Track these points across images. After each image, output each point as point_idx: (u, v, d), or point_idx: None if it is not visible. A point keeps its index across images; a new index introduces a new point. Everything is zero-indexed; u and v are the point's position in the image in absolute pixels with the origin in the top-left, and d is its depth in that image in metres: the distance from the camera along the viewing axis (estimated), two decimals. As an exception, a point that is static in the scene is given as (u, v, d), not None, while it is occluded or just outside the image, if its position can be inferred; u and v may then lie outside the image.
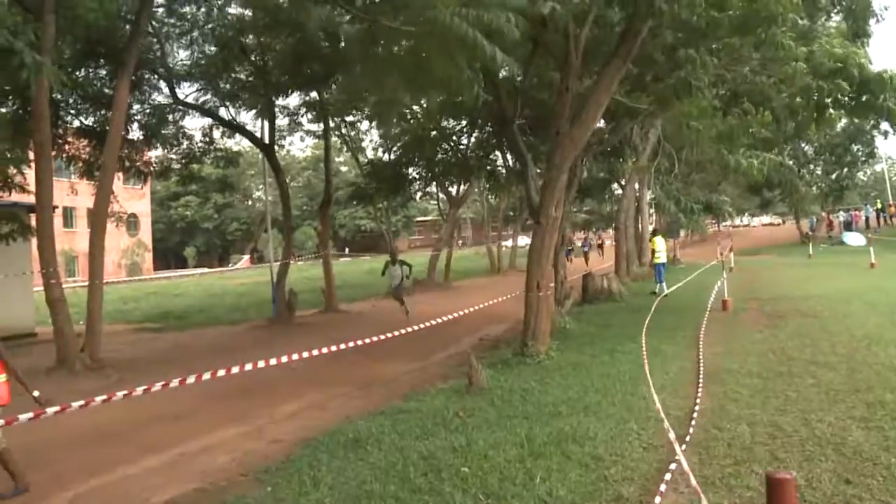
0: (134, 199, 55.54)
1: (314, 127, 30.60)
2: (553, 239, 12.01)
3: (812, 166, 48.37)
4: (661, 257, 21.89)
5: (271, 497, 5.84)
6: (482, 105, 12.18)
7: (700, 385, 8.37)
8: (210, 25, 19.71)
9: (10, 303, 18.82)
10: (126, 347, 17.18)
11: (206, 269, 67.89)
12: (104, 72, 18.74)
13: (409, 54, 9.67)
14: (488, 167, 23.81)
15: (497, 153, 23.35)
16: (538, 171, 15.15)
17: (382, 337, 10.06)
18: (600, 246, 49.19)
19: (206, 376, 6.77)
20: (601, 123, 15.99)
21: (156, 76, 20.23)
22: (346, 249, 34.75)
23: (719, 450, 6.07)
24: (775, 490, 3.50)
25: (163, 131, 21.96)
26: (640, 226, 27.78)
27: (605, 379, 9.29)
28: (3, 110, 16.46)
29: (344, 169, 69.03)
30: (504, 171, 24.08)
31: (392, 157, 28.00)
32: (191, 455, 7.76)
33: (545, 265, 11.69)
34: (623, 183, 27.32)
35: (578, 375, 9.71)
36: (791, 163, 41.41)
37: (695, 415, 7.06)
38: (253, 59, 20.61)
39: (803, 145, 42.60)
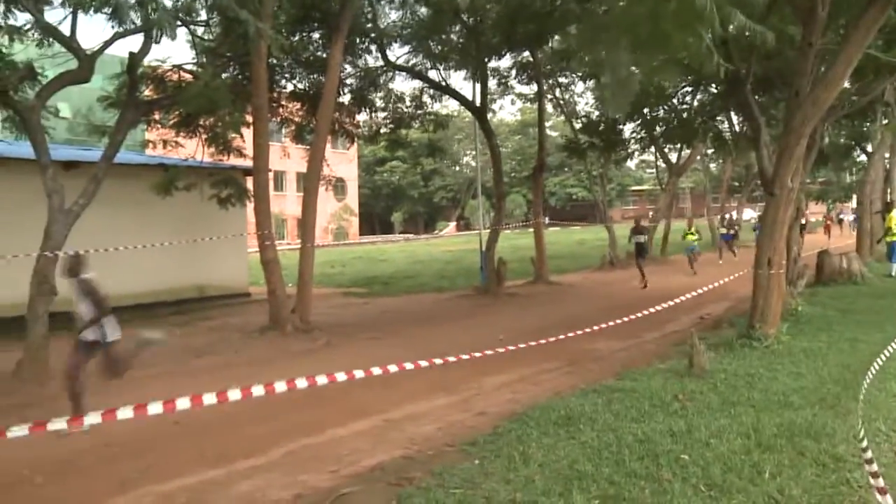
0: (342, 163, 58.24)
1: (525, 90, 30.61)
2: (788, 212, 11.35)
3: None
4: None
5: (479, 470, 5.91)
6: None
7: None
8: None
9: (227, 264, 20.34)
10: (334, 311, 18.08)
11: (411, 235, 70.24)
12: (317, 35, 19.66)
13: (640, 19, 9.18)
14: (713, 131, 22.83)
15: (721, 116, 22.35)
16: (770, 136, 14.32)
17: (612, 323, 9.90)
18: (802, 227, 37.76)
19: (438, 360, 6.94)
20: (847, 83, 14.84)
21: (367, 39, 20.93)
22: (547, 219, 34.32)
23: None
24: None
25: (373, 94, 22.76)
26: (889, 199, 25.55)
27: (845, 370, 8.71)
28: (225, 76, 17.63)
29: (554, 134, 68.78)
30: (731, 135, 23.00)
31: (607, 120, 27.44)
32: (396, 422, 8.01)
33: (778, 240, 11.06)
34: (870, 150, 25.29)
35: (812, 363, 9.18)
36: None
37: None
38: (465, 19, 20.84)
39: None
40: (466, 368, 10.54)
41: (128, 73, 12.37)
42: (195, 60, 16.84)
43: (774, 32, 13.94)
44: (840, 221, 50.51)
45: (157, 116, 16.93)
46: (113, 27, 10.41)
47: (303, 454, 6.97)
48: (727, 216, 35.18)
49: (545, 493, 5.25)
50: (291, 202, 58.04)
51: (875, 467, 4.00)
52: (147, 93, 16.10)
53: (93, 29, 29.97)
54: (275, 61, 18.41)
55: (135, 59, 11.99)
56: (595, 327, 9.77)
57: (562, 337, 9.04)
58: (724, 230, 30.78)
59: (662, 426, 6.63)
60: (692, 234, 26.17)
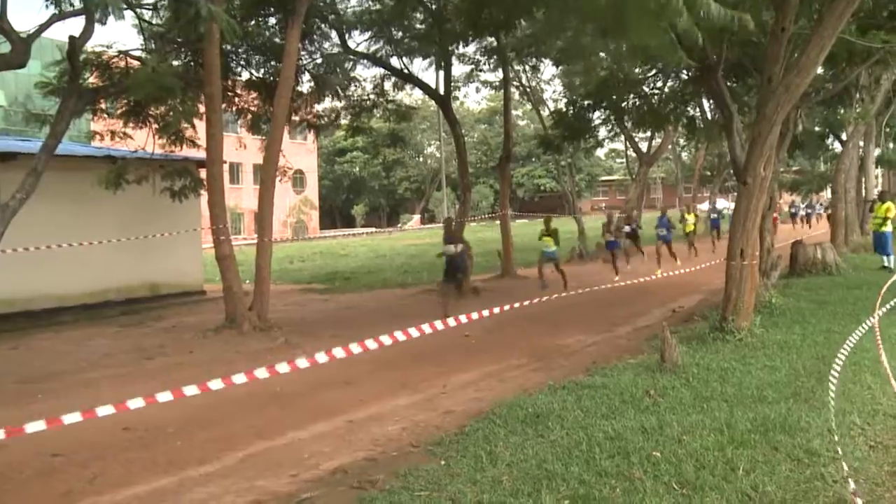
0: (301, 154, 57.78)
1: (491, 77, 30.61)
2: (760, 201, 11.45)
3: None
4: (888, 225, 20.46)
5: (445, 471, 5.91)
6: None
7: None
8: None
9: (180, 260, 20.03)
10: (293, 308, 17.97)
11: (373, 229, 70.09)
12: (273, 20, 19.48)
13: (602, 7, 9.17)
14: (684, 118, 22.98)
15: (693, 102, 22.51)
16: (743, 123, 14.46)
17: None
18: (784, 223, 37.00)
19: (372, 344, 6.90)
20: (820, 69, 15.01)
21: (326, 25, 20.74)
22: (512, 211, 33.52)
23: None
24: None
25: (332, 82, 22.59)
26: (863, 189, 25.90)
27: (819, 362, 8.82)
28: (176, 63, 17.40)
29: (522, 123, 68.89)
30: (702, 122, 23.17)
31: (575, 107, 27.53)
32: (360, 422, 7.97)
33: (751, 231, 11.18)
34: (844, 138, 25.62)
35: (786, 356, 9.29)
36: None
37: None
38: (428, 4, 20.74)
39: None
40: (432, 366, 10.57)
41: (68, 59, 12.11)
42: (143, 46, 16.60)
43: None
44: (793, 216, 44.82)
45: (103, 105, 16.67)
46: (49, 7, 10.19)
47: (261, 458, 6.90)
48: (622, 213, 27.32)
49: (513, 494, 5.26)
50: (248, 195, 57.50)
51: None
52: (92, 80, 15.82)
53: (28, 9, 29.43)
54: (229, 47, 18.20)
55: (76, 43, 11.75)
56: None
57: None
58: (609, 236, 23.32)
59: (633, 423, 6.66)
60: (548, 235, 18.82)
